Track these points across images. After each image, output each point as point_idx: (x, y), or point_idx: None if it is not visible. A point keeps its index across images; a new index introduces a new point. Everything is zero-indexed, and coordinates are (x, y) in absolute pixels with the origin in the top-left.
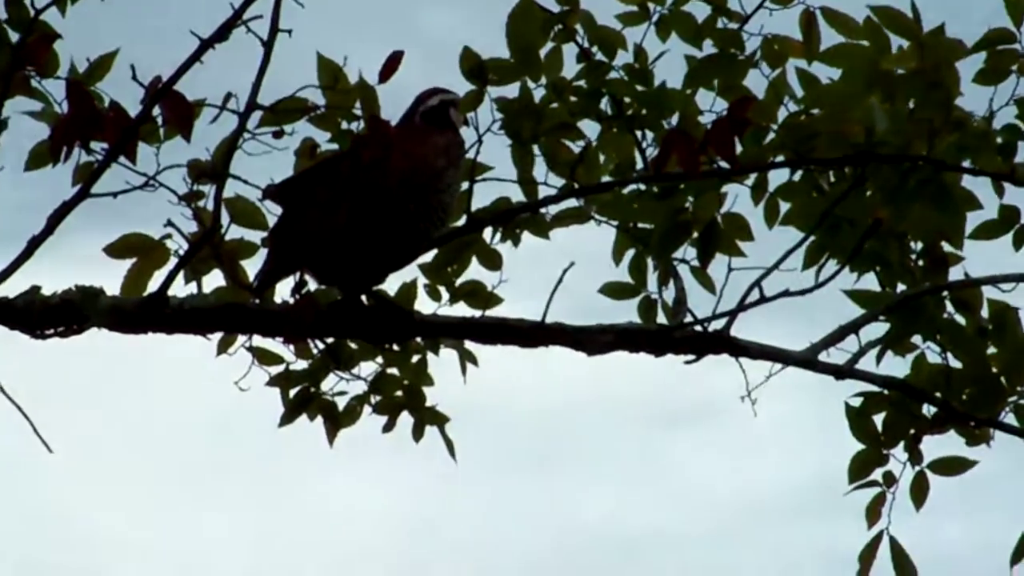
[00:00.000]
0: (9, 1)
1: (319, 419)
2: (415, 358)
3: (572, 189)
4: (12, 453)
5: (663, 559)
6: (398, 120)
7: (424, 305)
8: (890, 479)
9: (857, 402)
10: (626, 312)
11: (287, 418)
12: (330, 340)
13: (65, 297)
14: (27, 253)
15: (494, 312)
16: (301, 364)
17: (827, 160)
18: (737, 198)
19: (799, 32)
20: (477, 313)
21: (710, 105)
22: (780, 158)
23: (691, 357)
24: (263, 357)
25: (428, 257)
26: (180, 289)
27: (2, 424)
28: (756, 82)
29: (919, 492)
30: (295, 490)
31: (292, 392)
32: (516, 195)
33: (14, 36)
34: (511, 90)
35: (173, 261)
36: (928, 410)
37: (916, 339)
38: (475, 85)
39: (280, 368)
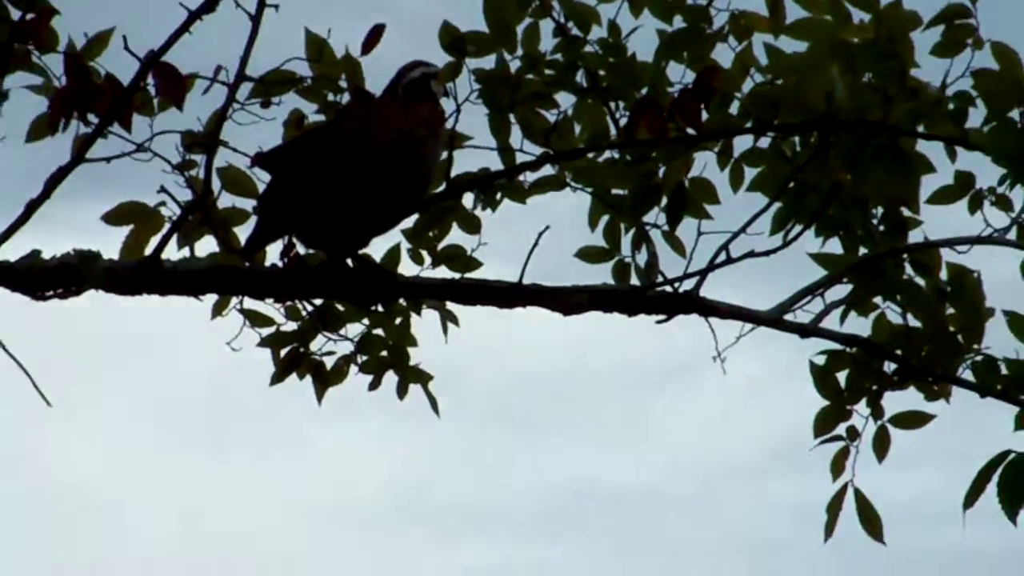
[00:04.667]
0: None
1: (308, 378)
2: (399, 319)
3: (548, 155)
4: (13, 410)
5: (642, 515)
6: (381, 92)
7: (407, 268)
8: (853, 433)
9: (821, 360)
10: (601, 275)
11: (278, 377)
12: (318, 302)
13: (64, 261)
14: (25, 216)
15: (474, 275)
16: (291, 325)
17: (788, 126)
18: (706, 165)
19: (766, 8)
20: (457, 275)
21: (680, 77)
22: (746, 126)
23: (662, 317)
24: (254, 319)
25: (410, 222)
26: (174, 254)
27: (5, 384)
28: (724, 55)
29: (881, 445)
30: (287, 446)
31: (283, 352)
32: (495, 163)
33: (15, 13)
34: (488, 62)
35: (167, 227)
36: (889, 367)
37: (877, 300)
38: (454, 57)
39: (271, 329)
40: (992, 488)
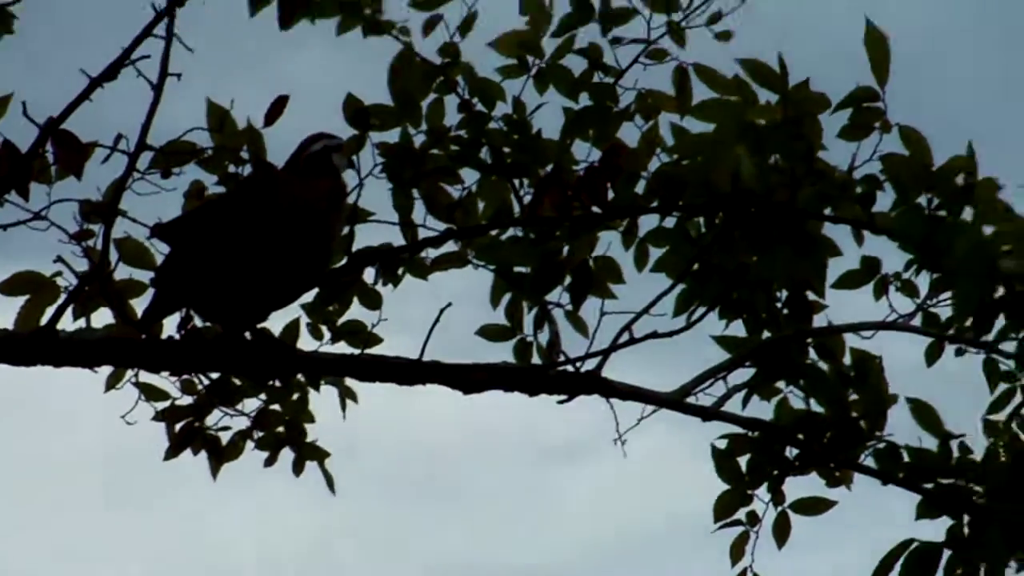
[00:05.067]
0: None
1: (203, 453)
2: (296, 395)
3: (451, 232)
4: None
5: None
6: (283, 164)
7: (306, 343)
8: (754, 519)
9: (723, 443)
10: (503, 353)
11: (172, 452)
12: (215, 376)
13: None
14: None
15: (374, 350)
16: (187, 399)
17: (694, 206)
18: (611, 245)
19: (672, 87)
20: (356, 351)
21: (586, 155)
22: (652, 205)
23: (564, 396)
24: (150, 392)
25: (310, 296)
26: (69, 325)
27: None
28: (630, 134)
29: (781, 531)
30: (181, 522)
31: (177, 427)
32: (397, 238)
33: None
34: (392, 136)
35: (63, 297)
36: (791, 452)
37: (780, 384)
38: (357, 130)
39: (166, 403)
40: None
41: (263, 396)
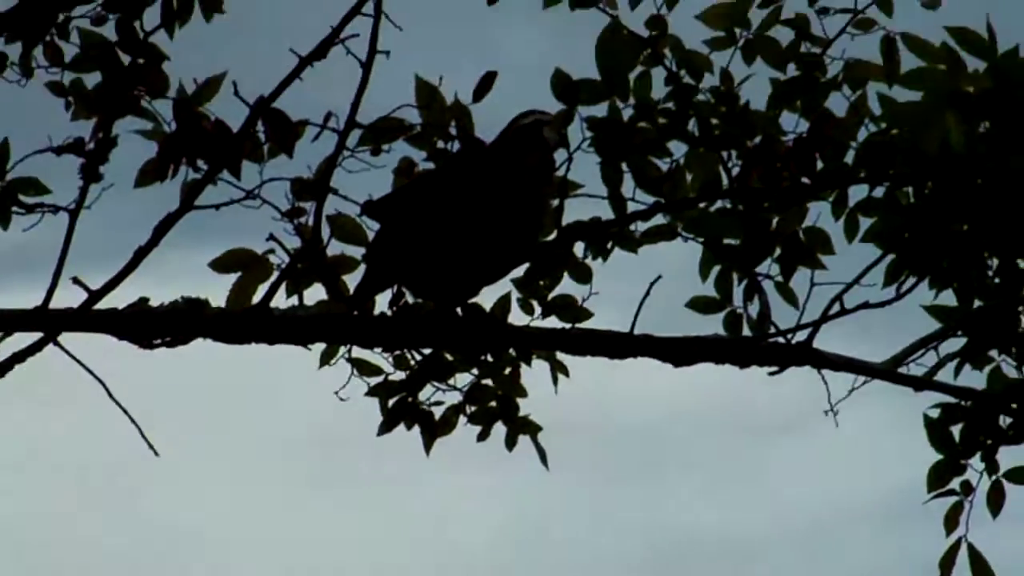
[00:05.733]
0: (119, 23)
1: (416, 428)
2: (508, 369)
3: (660, 205)
4: (121, 459)
5: (755, 565)
6: (493, 139)
7: (517, 318)
8: (967, 488)
9: (935, 413)
10: (713, 326)
11: (385, 427)
12: (427, 351)
13: (172, 308)
14: (133, 263)
15: (584, 325)
16: (399, 375)
17: (903, 175)
18: (820, 216)
19: (880, 56)
20: (567, 325)
21: (794, 126)
22: (860, 175)
23: (775, 369)
24: (363, 368)
25: (520, 271)
26: (282, 302)
27: (112, 430)
28: (838, 104)
29: (996, 500)
30: (395, 498)
31: (390, 402)
32: (606, 211)
33: (125, 58)
34: (601, 110)
35: (276, 275)
36: (1004, 421)
37: (992, 352)
38: (566, 105)
39: (379, 379)
40: None
41: (475, 371)
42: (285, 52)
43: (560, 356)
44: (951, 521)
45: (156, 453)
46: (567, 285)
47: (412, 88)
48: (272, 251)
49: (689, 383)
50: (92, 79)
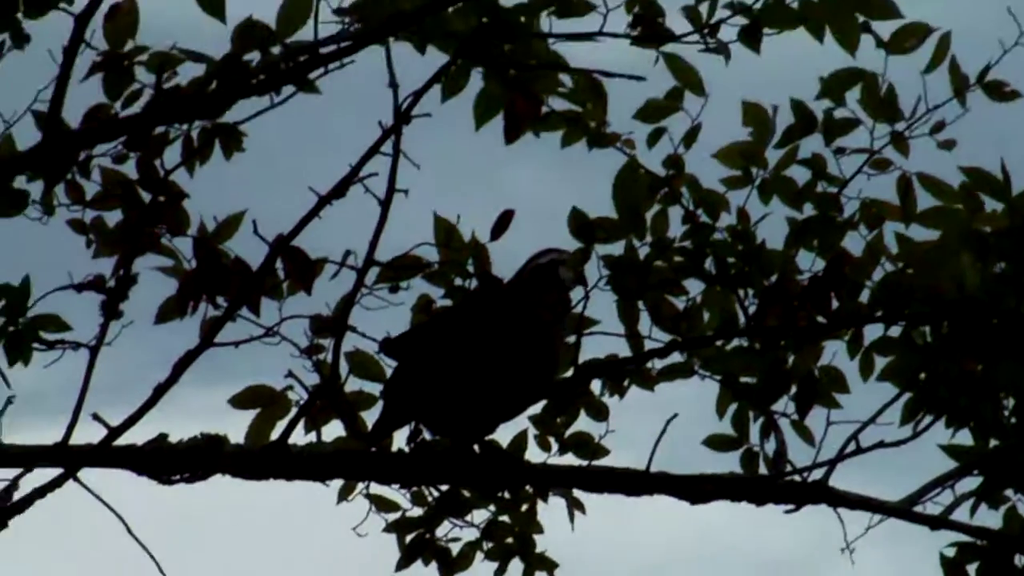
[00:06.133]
0: (140, 162)
1: (433, 564)
2: (525, 506)
3: (677, 343)
4: None
5: None
6: (511, 277)
7: (534, 455)
8: None
9: (951, 552)
10: (730, 463)
11: (403, 563)
12: (444, 488)
13: (191, 444)
14: (153, 400)
15: (601, 462)
16: (417, 511)
17: (919, 315)
18: (836, 354)
19: (896, 196)
20: (584, 463)
21: (810, 265)
22: (877, 314)
23: (791, 507)
24: (380, 504)
25: (537, 408)
26: (301, 439)
27: (130, 566)
28: (854, 244)
29: None
30: None
31: (408, 538)
32: (623, 349)
33: (145, 196)
34: (617, 248)
35: (294, 411)
36: (1020, 560)
37: (1008, 492)
38: (582, 243)
39: (397, 515)
40: None
41: (492, 507)
42: (304, 191)
43: (577, 493)
44: None
45: None
46: (584, 422)
47: (430, 226)
48: (291, 388)
49: (706, 521)
50: (113, 217)
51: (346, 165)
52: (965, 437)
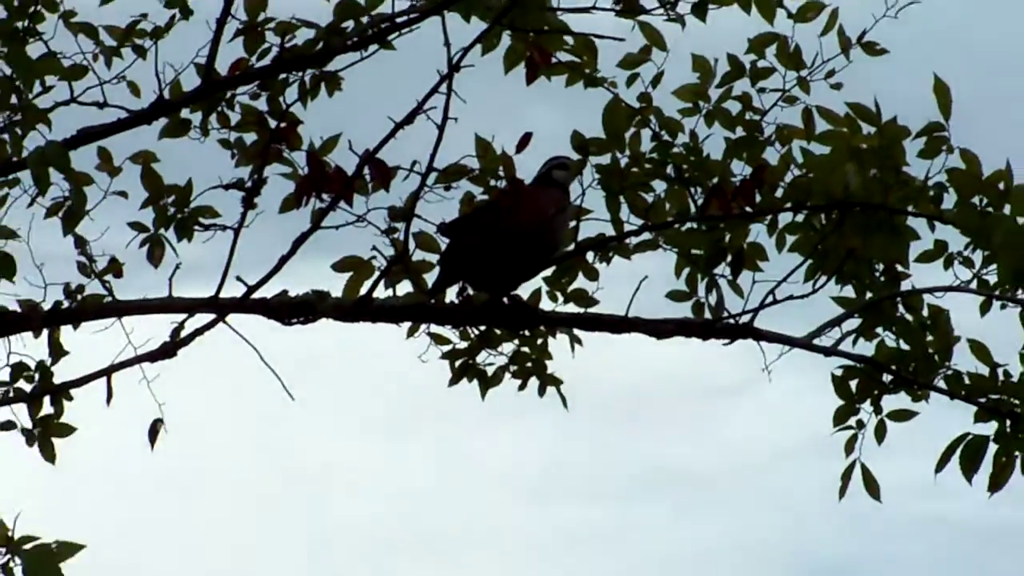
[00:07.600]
0: (269, 99)
1: (475, 382)
2: (540, 341)
3: (646, 226)
4: (271, 408)
5: (709, 491)
6: (532, 179)
7: (546, 304)
8: (860, 424)
9: (839, 372)
10: (683, 311)
11: (453, 381)
12: (483, 328)
13: (304, 298)
14: (278, 266)
15: (593, 310)
16: (463, 344)
17: (817, 207)
18: (759, 234)
19: (801, 122)
20: (581, 310)
21: (741, 171)
22: (787, 206)
23: (727, 341)
24: (437, 340)
25: (548, 272)
26: (381, 294)
27: (263, 388)
28: (772, 156)
29: (880, 433)
30: (460, 432)
31: (457, 363)
32: (609, 230)
33: (272, 123)
34: (605, 159)
35: (376, 275)
36: (886, 378)
37: (879, 330)
38: (581, 155)
39: (448, 347)
40: (956, 460)
41: (516, 342)
42: (384, 119)
43: (576, 331)
44: (849, 448)
45: (292, 398)
46: (581, 281)
47: (472, 144)
48: (374, 258)
49: (666, 352)
50: (249, 137)
51: (414, 100)
52: (849, 292)
